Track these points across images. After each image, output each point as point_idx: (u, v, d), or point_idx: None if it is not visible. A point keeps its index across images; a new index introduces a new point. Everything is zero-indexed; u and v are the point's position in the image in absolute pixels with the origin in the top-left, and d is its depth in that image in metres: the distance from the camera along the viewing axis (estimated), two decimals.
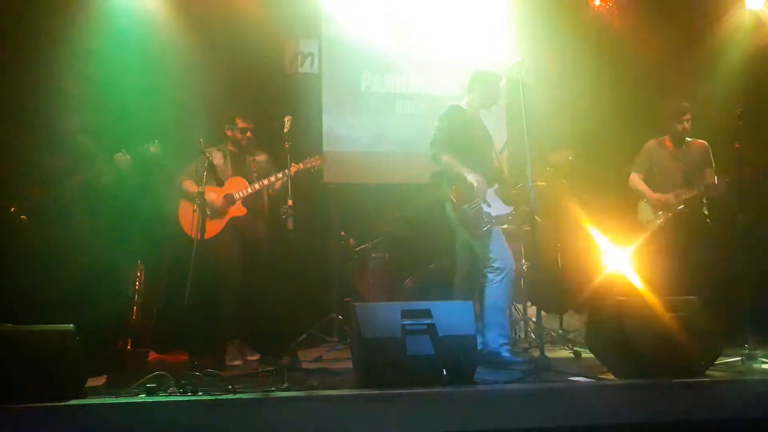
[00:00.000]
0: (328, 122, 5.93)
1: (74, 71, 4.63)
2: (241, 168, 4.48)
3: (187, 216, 4.39)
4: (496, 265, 3.95)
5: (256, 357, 4.38)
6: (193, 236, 4.10)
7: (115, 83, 4.76)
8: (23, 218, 4.04)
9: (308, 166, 4.36)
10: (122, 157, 4.17)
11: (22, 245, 4.03)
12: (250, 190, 4.38)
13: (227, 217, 4.37)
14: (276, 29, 5.53)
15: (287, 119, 3.98)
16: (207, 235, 4.28)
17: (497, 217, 4.03)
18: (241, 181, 4.41)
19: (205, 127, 4.63)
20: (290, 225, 3.82)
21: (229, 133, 4.51)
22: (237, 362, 4.29)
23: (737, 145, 4.53)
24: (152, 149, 4.20)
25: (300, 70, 5.93)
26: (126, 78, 4.81)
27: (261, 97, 5.35)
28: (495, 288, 3.95)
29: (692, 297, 3.61)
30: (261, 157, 4.55)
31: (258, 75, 5.51)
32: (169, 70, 4.99)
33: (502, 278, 3.95)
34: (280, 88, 5.63)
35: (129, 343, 4.57)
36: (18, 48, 4.68)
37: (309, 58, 5.95)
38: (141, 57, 4.92)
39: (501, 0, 6.13)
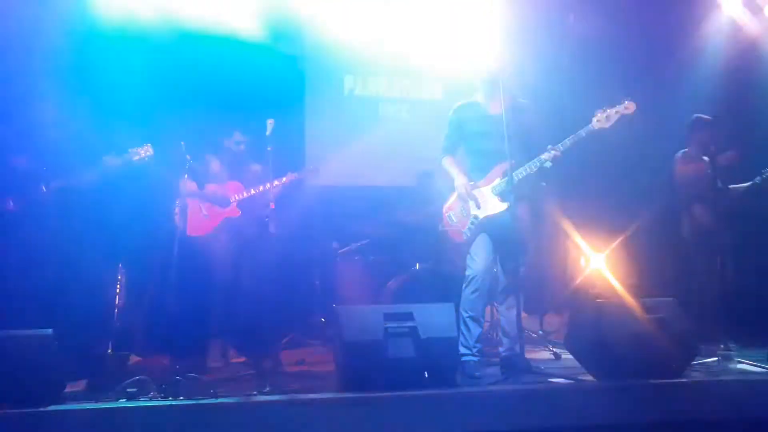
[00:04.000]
0: (311, 125, 5.94)
1: (59, 74, 4.58)
2: (237, 175, 4.62)
3: (190, 216, 4.44)
4: (466, 273, 3.85)
5: (241, 359, 4.38)
6: (180, 234, 4.14)
7: (99, 86, 4.73)
8: None
9: (303, 176, 4.52)
10: (112, 160, 4.14)
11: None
12: (245, 194, 4.48)
13: (221, 217, 4.43)
14: (259, 33, 5.52)
15: (269, 122, 4.01)
16: (200, 232, 4.41)
17: (487, 218, 3.82)
18: (237, 185, 4.53)
19: (190, 128, 4.62)
20: (272, 228, 3.84)
21: (226, 143, 4.62)
22: (218, 363, 4.29)
23: (712, 149, 4.62)
24: (143, 152, 4.18)
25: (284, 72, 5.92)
26: (110, 81, 4.78)
27: (244, 100, 5.34)
28: (463, 296, 3.85)
29: (669, 299, 3.67)
30: (256, 167, 4.67)
31: (241, 78, 5.50)
32: (154, 73, 4.96)
33: (466, 286, 3.82)
34: (263, 91, 5.62)
35: (109, 347, 4.55)
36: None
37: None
38: (126, 59, 4.89)
39: (484, 4, 6.18)
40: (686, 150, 4.92)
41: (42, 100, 4.19)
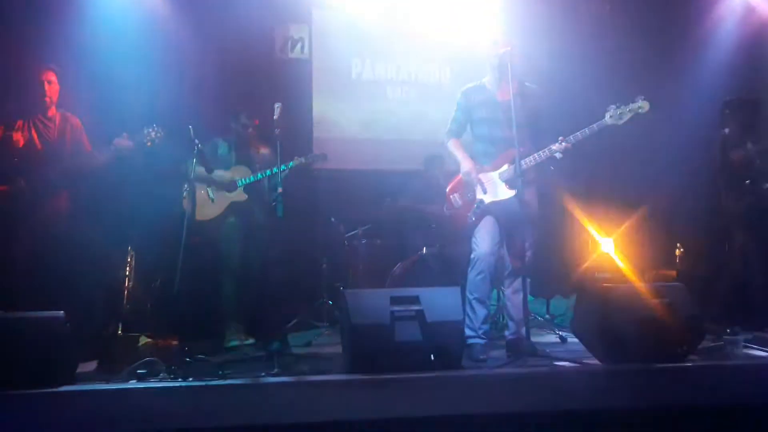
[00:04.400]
0: (318, 108, 5.94)
1: (69, 60, 4.57)
2: (245, 159, 4.61)
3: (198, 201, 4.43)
4: (471, 255, 3.86)
5: (250, 341, 4.43)
6: (189, 218, 4.17)
7: (109, 72, 4.73)
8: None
9: (310, 161, 4.57)
10: (123, 142, 4.11)
11: (8, 231, 4.00)
12: (252, 178, 4.47)
13: (228, 201, 4.47)
14: (266, 14, 5.50)
15: (277, 106, 4.00)
16: (207, 217, 4.43)
17: (493, 203, 3.83)
18: (244, 169, 4.53)
19: (198, 112, 4.62)
20: (280, 211, 3.85)
21: (233, 125, 4.62)
22: (234, 344, 4.34)
23: (726, 131, 4.56)
24: (153, 134, 4.16)
25: (290, 55, 5.92)
26: (119, 66, 4.78)
27: (251, 82, 5.34)
28: (468, 278, 3.87)
29: (676, 284, 3.66)
30: (264, 150, 4.65)
31: (248, 60, 5.49)
32: (159, 57, 4.96)
33: (471, 269, 3.84)
34: (270, 74, 5.62)
35: (119, 329, 4.60)
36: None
37: (299, 44, 5.94)
38: (129, 42, 4.88)
39: None
40: (728, 130, 4.71)
41: (55, 85, 4.17)
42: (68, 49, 4.64)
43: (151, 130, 4.14)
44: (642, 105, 3.72)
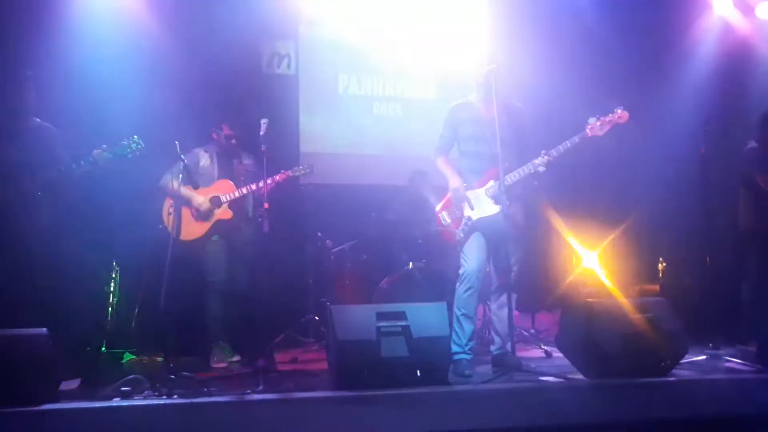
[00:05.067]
0: (305, 123, 5.95)
1: (50, 70, 4.54)
2: (228, 170, 4.53)
3: (183, 219, 4.37)
4: (459, 271, 3.89)
5: (236, 359, 4.39)
6: (174, 236, 4.13)
7: (92, 83, 4.71)
8: None
9: (297, 174, 4.49)
10: (101, 154, 4.06)
11: None
12: (237, 194, 4.41)
13: (213, 219, 4.41)
14: (253, 30, 5.53)
15: (263, 122, 4.00)
16: (192, 236, 4.35)
17: (480, 219, 3.85)
18: (228, 184, 4.45)
19: (183, 128, 4.61)
20: (266, 227, 3.85)
21: (215, 136, 4.57)
22: (222, 364, 4.30)
23: (702, 150, 4.63)
24: (133, 145, 4.11)
25: (277, 71, 5.94)
26: (102, 78, 4.76)
27: (238, 98, 5.35)
28: (456, 294, 3.88)
29: (659, 298, 3.71)
30: (248, 161, 4.60)
31: (235, 76, 5.50)
32: (146, 71, 4.95)
33: (460, 284, 3.86)
34: (256, 89, 5.63)
35: (104, 346, 4.56)
36: None
37: (286, 60, 5.97)
38: (112, 53, 4.86)
39: (477, 3, 6.21)
40: (756, 144, 4.45)
41: (30, 92, 4.12)
42: (47, 57, 4.58)
43: (131, 141, 4.08)
44: (621, 115, 3.81)
